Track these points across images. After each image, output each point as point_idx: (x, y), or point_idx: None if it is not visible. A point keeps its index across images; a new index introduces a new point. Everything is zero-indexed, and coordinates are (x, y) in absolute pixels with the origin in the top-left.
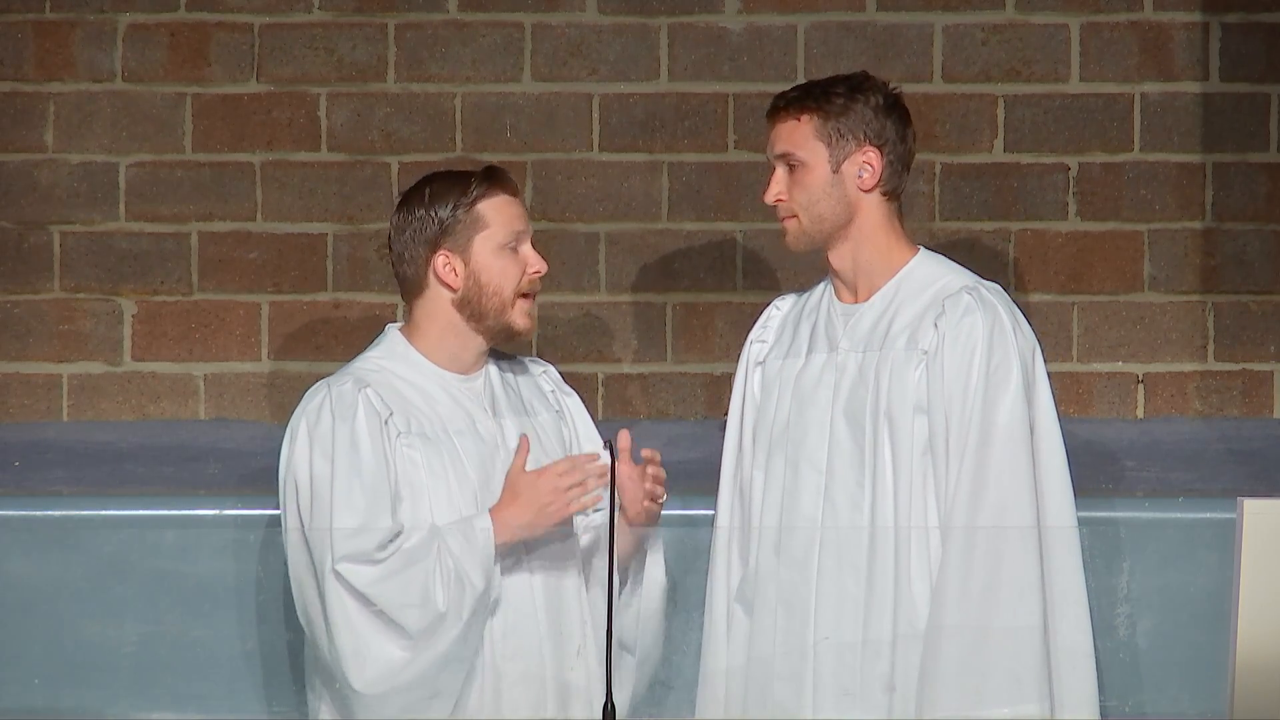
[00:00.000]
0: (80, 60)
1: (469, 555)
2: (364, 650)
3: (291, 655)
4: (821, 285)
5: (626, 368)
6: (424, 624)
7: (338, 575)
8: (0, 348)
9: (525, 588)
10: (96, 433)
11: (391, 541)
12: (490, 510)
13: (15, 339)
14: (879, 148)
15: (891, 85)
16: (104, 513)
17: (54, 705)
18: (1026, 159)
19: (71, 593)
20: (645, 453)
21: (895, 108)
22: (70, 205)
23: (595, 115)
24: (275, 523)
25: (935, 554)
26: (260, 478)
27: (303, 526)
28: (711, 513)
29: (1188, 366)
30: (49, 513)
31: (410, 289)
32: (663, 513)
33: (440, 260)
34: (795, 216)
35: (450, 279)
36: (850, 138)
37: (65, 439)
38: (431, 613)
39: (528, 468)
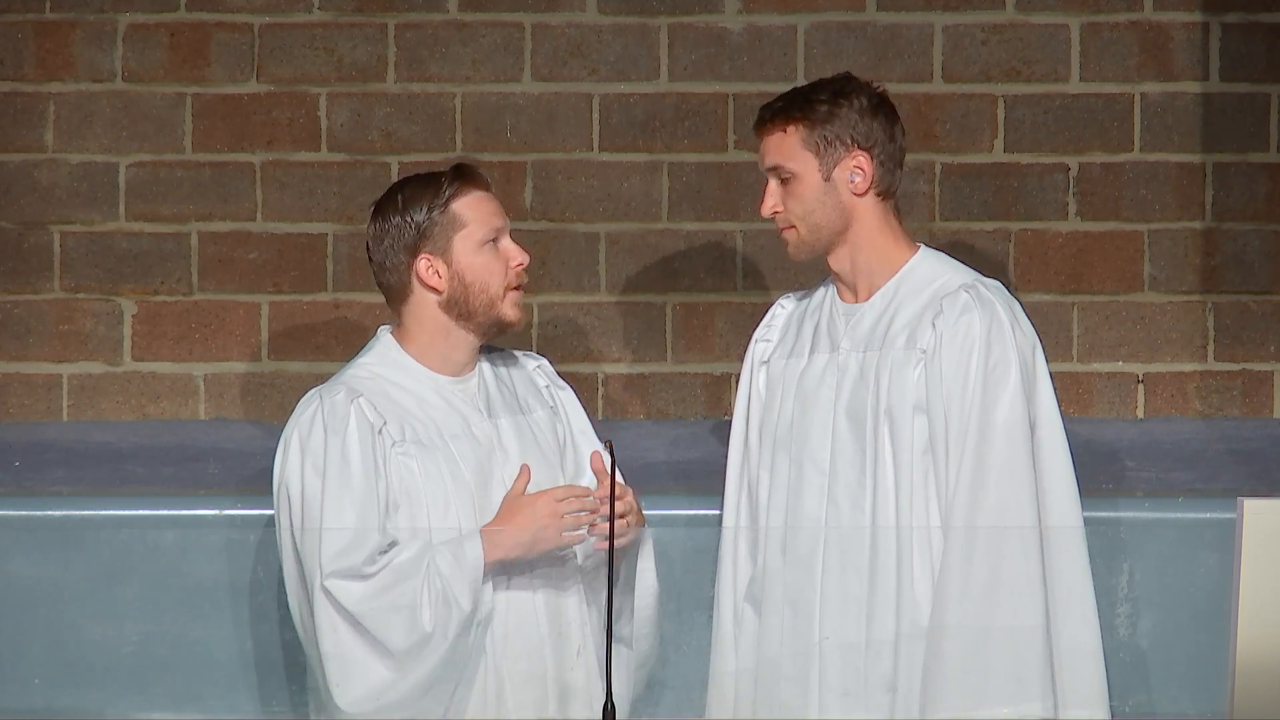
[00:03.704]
0: (80, 60)
1: (457, 576)
2: (349, 670)
3: (291, 655)
4: (824, 284)
5: (626, 368)
6: (409, 644)
7: (326, 592)
8: (0, 348)
9: (526, 590)
10: (96, 433)
11: (382, 555)
12: (483, 529)
13: (15, 339)
14: (868, 150)
15: (875, 84)
16: (104, 513)
17: (54, 705)
18: (1026, 159)
19: (71, 593)
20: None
21: (881, 107)
22: (70, 205)
23: (595, 115)
24: (274, 524)
25: (937, 554)
26: (260, 478)
27: (294, 539)
28: (713, 512)
29: (1188, 366)
30: (49, 513)
31: (395, 296)
32: (666, 513)
33: (422, 264)
34: (793, 227)
35: (434, 282)
36: (838, 144)
37: (65, 439)
38: (417, 633)
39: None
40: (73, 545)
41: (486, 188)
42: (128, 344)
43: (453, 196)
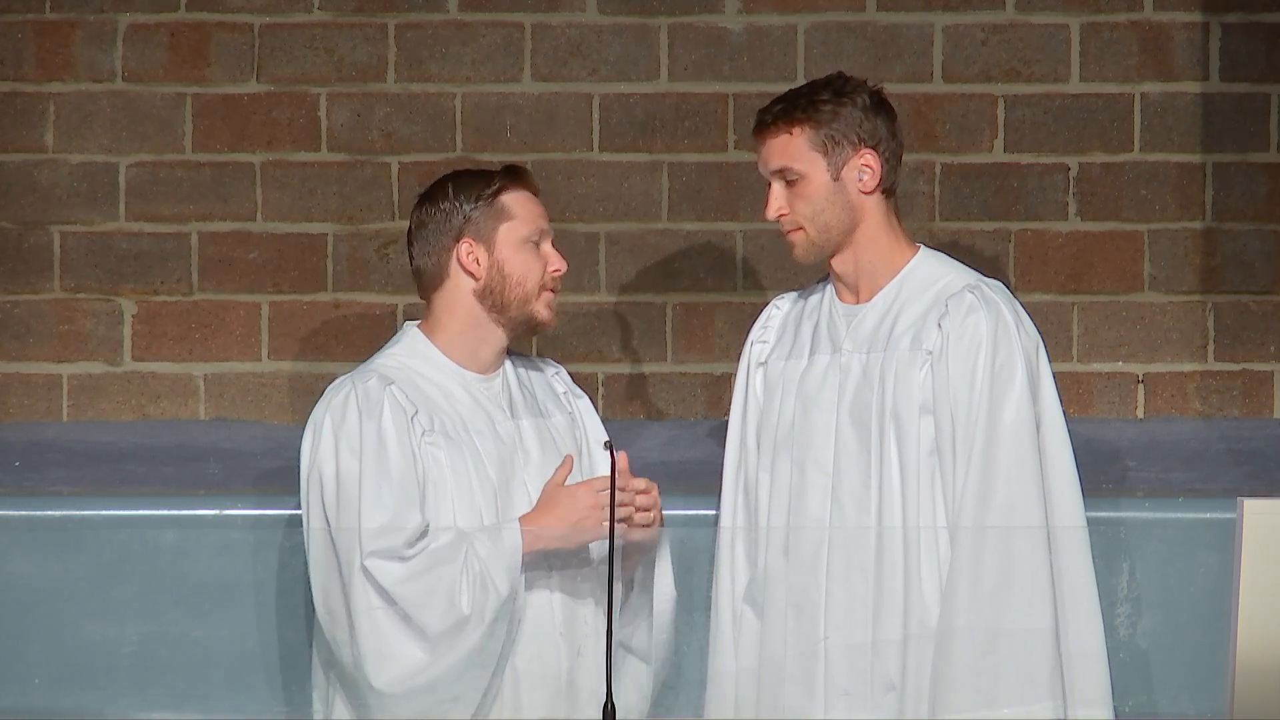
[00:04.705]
0: (80, 60)
1: (496, 560)
2: (385, 650)
3: (292, 655)
4: (822, 284)
5: (626, 368)
6: (446, 626)
7: (365, 571)
8: (0, 348)
9: (545, 592)
10: (96, 433)
11: (421, 539)
12: (521, 518)
13: (15, 339)
14: (874, 148)
15: (870, 82)
16: (104, 513)
17: (54, 705)
18: (1026, 159)
19: (71, 593)
20: (640, 483)
21: (881, 105)
22: (70, 205)
23: (595, 115)
24: (276, 523)
25: (945, 555)
26: (261, 478)
27: (328, 524)
28: (712, 512)
29: (1188, 366)
30: (49, 513)
31: (430, 281)
32: (665, 513)
33: (464, 249)
34: (801, 229)
35: (473, 268)
36: (845, 143)
37: (65, 439)
38: (455, 615)
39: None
40: (73, 545)
41: (535, 191)
42: (128, 344)
43: (503, 189)
